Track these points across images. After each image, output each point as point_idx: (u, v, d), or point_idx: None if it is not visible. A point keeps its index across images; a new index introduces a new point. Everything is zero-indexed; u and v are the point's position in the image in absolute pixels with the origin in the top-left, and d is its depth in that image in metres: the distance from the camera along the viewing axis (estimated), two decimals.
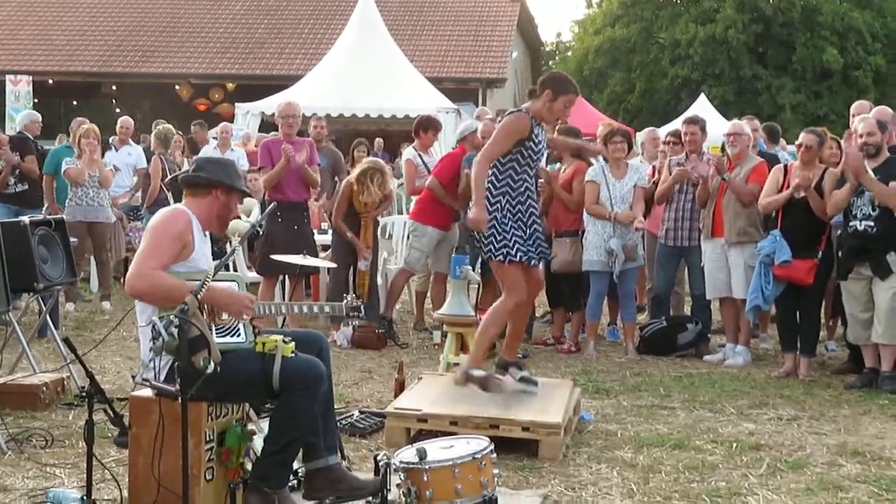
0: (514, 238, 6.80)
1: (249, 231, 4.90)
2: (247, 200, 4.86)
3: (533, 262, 6.90)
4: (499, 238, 6.80)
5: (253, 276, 10.38)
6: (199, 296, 4.53)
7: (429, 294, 11.01)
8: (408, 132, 20.11)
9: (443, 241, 10.38)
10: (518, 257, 6.80)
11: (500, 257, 6.82)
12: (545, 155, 7.20)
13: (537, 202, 7.04)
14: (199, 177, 5.08)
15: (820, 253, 8.75)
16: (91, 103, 29.55)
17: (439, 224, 10.36)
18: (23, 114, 13.87)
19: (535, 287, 7.22)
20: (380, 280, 10.58)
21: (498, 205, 6.83)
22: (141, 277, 4.70)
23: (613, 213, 9.55)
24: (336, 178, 12.47)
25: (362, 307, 5.70)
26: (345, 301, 5.67)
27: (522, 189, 6.83)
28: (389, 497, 5.27)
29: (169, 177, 12.40)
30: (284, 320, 8.27)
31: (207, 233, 5.09)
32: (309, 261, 6.99)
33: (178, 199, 10.75)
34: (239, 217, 5.71)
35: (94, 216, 11.38)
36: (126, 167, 13.50)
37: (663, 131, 24.73)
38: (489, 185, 6.86)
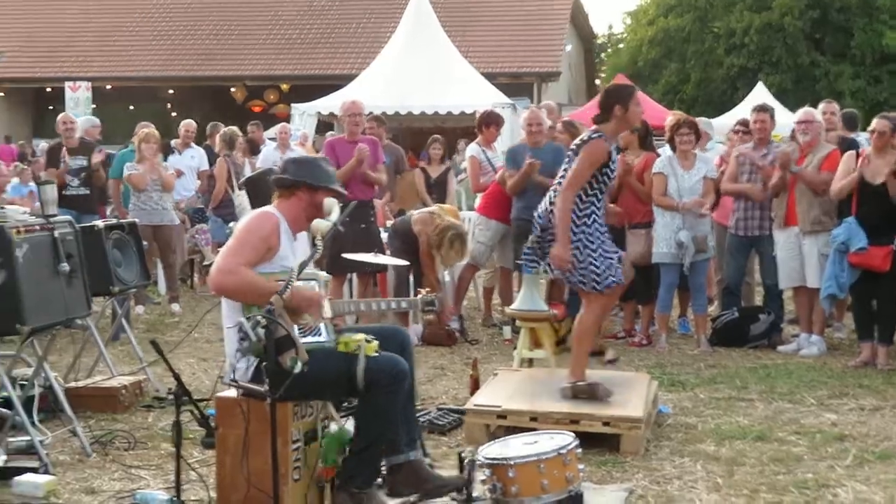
0: (589, 266, 6.67)
1: (331, 230, 4.88)
2: (326, 200, 4.84)
3: (611, 283, 6.76)
4: (576, 264, 6.68)
5: (322, 274, 10.39)
6: (284, 295, 4.53)
7: (496, 289, 10.97)
8: (463, 129, 20.17)
9: (507, 235, 10.34)
10: (598, 286, 6.69)
11: (580, 283, 6.73)
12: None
13: (603, 223, 6.90)
14: (283, 178, 5.08)
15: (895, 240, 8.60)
16: (148, 107, 29.79)
17: (504, 218, 10.32)
18: (82, 119, 14.00)
19: (616, 294, 7.13)
20: (447, 276, 10.55)
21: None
22: (226, 273, 4.71)
23: (681, 202, 9.45)
24: (398, 177, 12.48)
25: (436, 301, 5.67)
26: (420, 296, 5.64)
27: (589, 212, 6.70)
28: (475, 493, 5.26)
29: (236, 179, 12.50)
30: (357, 319, 8.28)
31: (299, 234, 5.10)
32: (381, 259, 6.98)
33: (252, 200, 10.88)
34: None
35: (158, 220, 11.43)
36: (189, 170, 13.57)
37: (720, 122, 24.66)
38: (548, 201, 6.80)
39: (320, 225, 4.89)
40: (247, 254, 4.77)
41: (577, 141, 6.95)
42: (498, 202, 10.40)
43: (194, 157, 13.82)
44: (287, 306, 4.59)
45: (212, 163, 13.80)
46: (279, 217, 4.96)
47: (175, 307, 11.56)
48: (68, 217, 6.51)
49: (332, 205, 4.98)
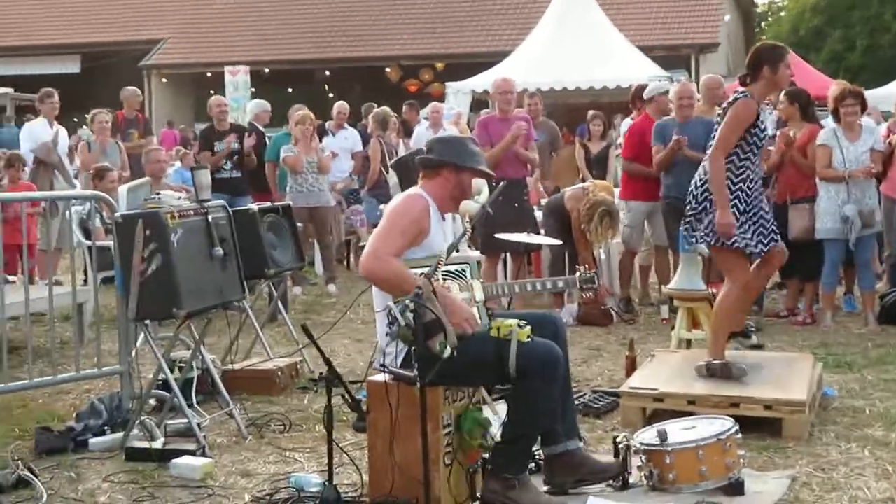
0: (740, 226, 6.49)
1: (480, 212, 4.81)
2: (475, 181, 4.77)
3: (758, 250, 6.56)
4: (713, 223, 6.50)
5: (475, 254, 10.36)
6: (432, 279, 4.47)
7: (652, 268, 10.75)
8: (619, 103, 19.86)
9: (654, 212, 10.13)
10: (730, 242, 6.49)
11: (718, 242, 6.53)
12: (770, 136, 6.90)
13: (761, 189, 6.71)
14: (428, 158, 5.02)
15: None
16: (305, 90, 30.26)
17: (641, 196, 10.20)
18: (252, 103, 14.27)
19: (777, 260, 6.88)
20: (602, 255, 10.39)
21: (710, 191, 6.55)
22: (377, 260, 4.66)
23: (847, 171, 9.09)
24: (553, 154, 12.35)
25: (596, 277, 5.53)
26: (578, 274, 5.51)
27: (743, 177, 6.51)
28: (630, 480, 5.13)
29: (390, 159, 12.54)
30: (511, 299, 8.18)
31: (448, 215, 5.04)
32: (535, 238, 6.87)
33: (402, 182, 10.90)
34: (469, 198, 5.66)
35: (315, 201, 11.53)
36: (343, 152, 13.69)
37: (888, 90, 23.78)
38: (702, 171, 6.62)
39: (469, 206, 4.83)
40: (397, 239, 4.72)
41: (724, 104, 6.77)
42: (632, 183, 10.35)
43: (348, 139, 13.94)
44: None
45: (366, 143, 13.88)
46: (428, 198, 4.89)
47: (332, 288, 11.66)
48: (222, 202, 6.57)
49: (482, 185, 4.93)
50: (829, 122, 9.88)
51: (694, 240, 6.78)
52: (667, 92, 10.50)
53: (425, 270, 4.55)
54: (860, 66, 36.75)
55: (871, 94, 23.79)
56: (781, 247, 6.77)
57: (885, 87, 25.64)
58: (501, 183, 5.18)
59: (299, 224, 8.87)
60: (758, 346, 6.88)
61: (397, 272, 4.61)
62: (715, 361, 6.49)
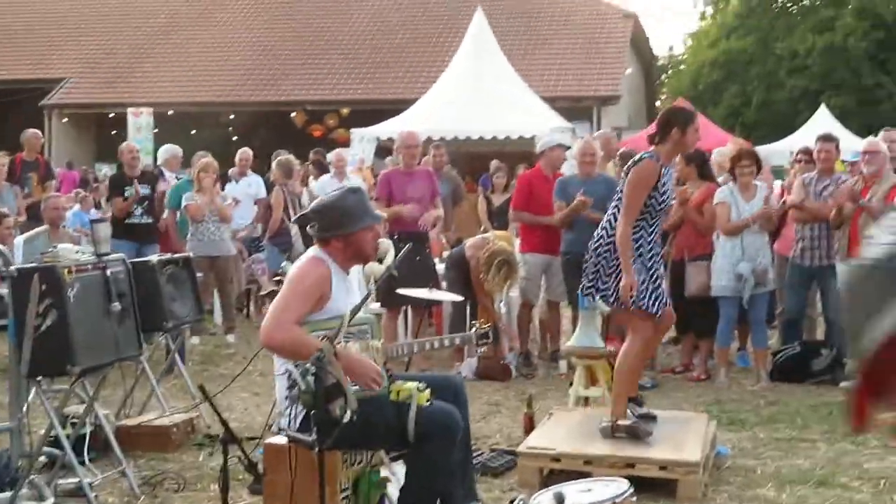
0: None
1: (384, 274, 4.81)
2: (382, 242, 4.77)
3: (655, 311, 6.67)
4: (617, 283, 6.61)
5: (376, 307, 10.36)
6: (334, 343, 4.46)
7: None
8: (523, 153, 20.08)
9: (550, 267, 10.20)
10: (639, 302, 6.60)
11: (621, 306, 6.64)
12: (670, 202, 7.03)
13: (659, 250, 6.84)
14: (319, 229, 4.98)
15: None
16: (209, 133, 30.05)
17: (536, 249, 10.24)
18: (163, 149, 14.10)
19: (668, 321, 7.02)
20: (503, 308, 10.45)
21: (612, 246, 6.65)
22: (278, 330, 4.64)
23: (750, 218, 9.30)
24: (455, 205, 12.43)
25: (491, 333, 5.56)
26: (473, 329, 5.54)
27: (639, 237, 6.62)
28: None
29: (291, 209, 12.52)
30: (410, 358, 8.20)
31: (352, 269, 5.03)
32: (436, 294, 6.90)
33: (303, 237, 10.87)
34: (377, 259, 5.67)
35: (216, 250, 11.45)
36: (246, 198, 13.61)
37: (782, 145, 24.33)
38: (607, 224, 6.72)
39: (374, 268, 4.84)
40: (297, 306, 4.70)
41: (628, 164, 6.89)
42: (527, 235, 10.44)
43: (251, 186, 13.87)
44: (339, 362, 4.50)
45: (270, 191, 13.83)
46: (328, 260, 4.88)
47: (230, 338, 11.56)
48: (121, 255, 6.49)
49: (388, 248, 4.93)
50: (723, 180, 10.14)
51: (596, 298, 6.86)
52: (558, 146, 10.59)
53: (328, 333, 4.54)
54: (756, 121, 37.69)
55: (766, 149, 24.44)
56: (670, 310, 6.92)
57: (780, 143, 26.33)
58: (408, 246, 5.20)
59: (199, 274, 8.79)
60: (650, 417, 6.88)
61: (297, 340, 4.59)
62: (620, 422, 6.55)
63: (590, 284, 6.79)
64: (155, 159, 17.57)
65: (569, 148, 10.93)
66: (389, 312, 9.56)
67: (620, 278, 6.56)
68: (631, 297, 6.52)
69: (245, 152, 14.19)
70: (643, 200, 6.56)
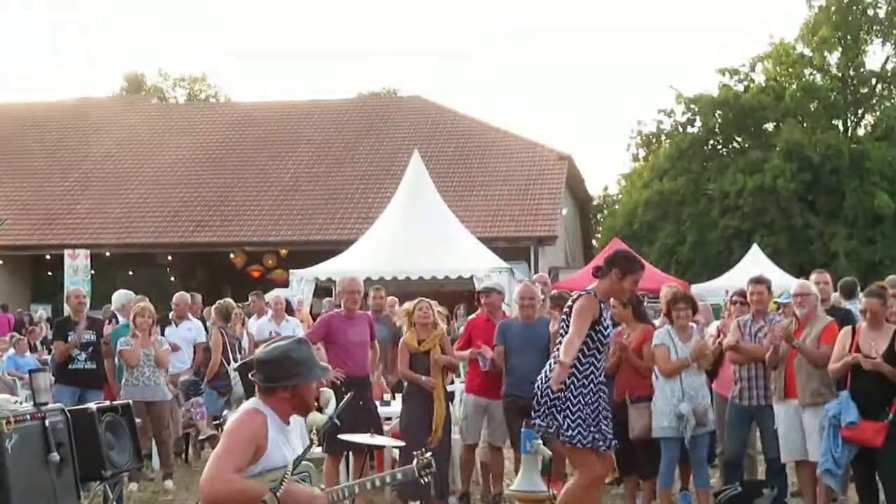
0: (577, 421, 6.70)
1: (327, 424, 4.81)
2: (324, 391, 4.78)
3: (600, 447, 6.75)
4: (562, 420, 6.69)
5: (315, 451, 10.27)
6: (277, 493, 4.43)
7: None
8: (461, 293, 20.22)
9: (489, 409, 10.25)
10: (583, 441, 6.68)
11: (567, 440, 6.71)
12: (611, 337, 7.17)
13: (604, 388, 6.95)
14: (260, 380, 4.97)
15: (891, 415, 8.51)
16: (147, 273, 29.99)
17: (477, 391, 10.30)
18: (118, 294, 13.93)
19: (607, 467, 7.08)
20: (456, 452, 10.42)
21: (562, 385, 6.74)
22: (217, 481, 4.59)
23: (689, 357, 9.41)
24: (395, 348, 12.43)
25: (433, 461, 5.53)
26: (415, 462, 5.50)
27: (588, 372, 6.75)
28: None
29: (230, 352, 12.46)
30: (354, 498, 8.12)
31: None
32: (378, 440, 6.84)
33: (244, 384, 10.80)
34: (317, 408, 5.67)
35: (150, 395, 11.28)
36: (185, 342, 13.51)
37: (717, 283, 24.75)
38: (552, 361, 6.83)
39: (316, 418, 4.83)
40: (235, 458, 4.66)
41: (568, 303, 7.01)
42: (470, 376, 10.47)
43: (191, 330, 13.77)
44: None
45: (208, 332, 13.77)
46: (266, 413, 4.86)
47: (168, 483, 11.35)
48: (59, 405, 6.44)
49: (329, 397, 4.92)
50: (658, 322, 10.30)
51: (552, 435, 6.90)
52: (490, 291, 10.71)
53: (272, 485, 4.51)
54: (690, 259, 38.32)
55: (700, 288, 24.86)
56: (610, 455, 7.01)
57: (715, 281, 26.79)
58: (349, 394, 5.20)
59: (138, 420, 8.69)
60: None
61: (239, 489, 4.55)
62: None
63: (546, 422, 6.86)
64: (92, 301, 17.45)
65: (498, 292, 11.01)
66: (331, 458, 9.49)
67: (565, 416, 6.64)
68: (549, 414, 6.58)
69: (182, 297, 14.09)
70: (587, 327, 6.65)
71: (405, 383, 10.25)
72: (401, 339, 10.15)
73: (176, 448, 12.86)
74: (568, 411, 6.69)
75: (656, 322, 10.53)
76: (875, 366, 8.45)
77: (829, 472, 8.77)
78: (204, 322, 14.48)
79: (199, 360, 13.54)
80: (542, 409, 6.84)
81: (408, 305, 10.14)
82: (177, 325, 13.72)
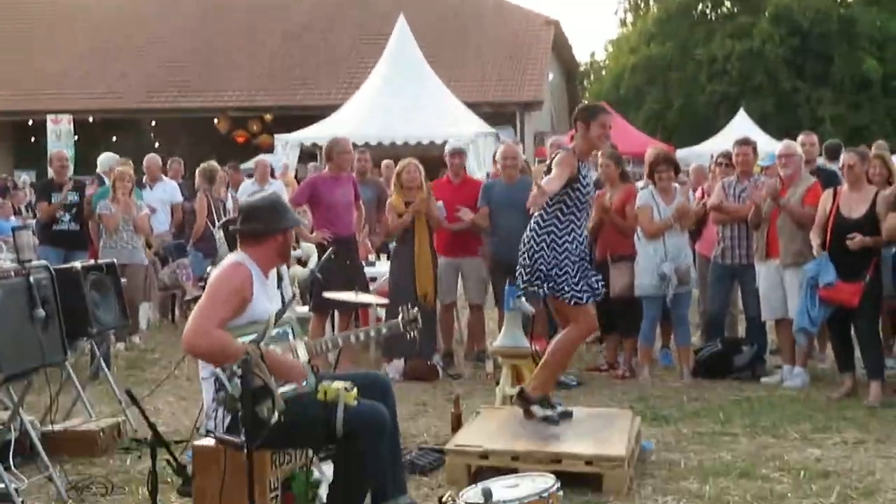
0: (577, 279, 6.77)
1: (309, 278, 4.85)
2: (305, 246, 4.82)
3: (584, 301, 6.82)
4: (556, 277, 6.75)
5: (300, 309, 10.37)
6: (260, 345, 4.48)
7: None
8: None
9: (462, 268, 10.37)
10: (578, 297, 6.76)
11: (562, 296, 6.80)
12: (592, 194, 7.18)
13: (585, 242, 6.98)
14: (246, 229, 5.00)
15: (868, 277, 8.59)
16: (131, 139, 29.74)
17: (448, 252, 10.37)
18: (104, 156, 13.88)
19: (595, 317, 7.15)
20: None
21: (544, 243, 6.78)
22: (200, 335, 4.64)
23: (671, 217, 9.50)
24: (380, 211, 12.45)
25: (419, 317, 5.59)
26: (400, 317, 5.56)
27: (570, 229, 6.78)
28: None
29: (215, 215, 12.46)
30: (339, 353, 8.22)
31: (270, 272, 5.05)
32: (363, 297, 6.92)
33: (228, 242, 10.82)
34: (300, 263, 5.69)
35: (126, 258, 11.26)
36: (162, 204, 13.49)
37: (702, 148, 24.73)
38: (535, 224, 6.84)
39: (298, 272, 4.86)
40: (220, 311, 4.70)
41: (547, 160, 7.05)
42: (445, 238, 10.44)
43: (166, 191, 13.74)
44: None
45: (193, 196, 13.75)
46: (249, 265, 4.89)
47: (135, 339, 11.51)
48: (44, 262, 6.45)
49: (311, 251, 4.95)
50: (641, 184, 10.33)
51: (542, 293, 6.96)
52: (455, 152, 10.66)
53: (253, 337, 4.56)
54: (676, 124, 38.19)
55: (686, 152, 24.87)
56: (591, 310, 7.11)
57: (701, 146, 26.75)
58: (330, 249, 5.23)
59: (124, 279, 8.74)
60: (566, 414, 7.07)
61: (221, 344, 4.60)
62: (538, 409, 6.69)
63: (525, 281, 6.91)
64: (77, 167, 17.35)
65: (462, 151, 10.99)
66: (318, 317, 9.59)
67: (559, 273, 6.72)
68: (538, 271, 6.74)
69: (152, 159, 14.02)
70: (567, 175, 6.66)
71: (391, 244, 10.30)
72: (387, 201, 10.15)
73: (161, 309, 12.98)
74: (557, 269, 6.74)
75: (639, 184, 10.56)
76: (857, 244, 8.49)
77: (803, 330, 8.90)
78: (188, 189, 14.41)
79: (178, 220, 13.54)
80: (528, 271, 6.88)
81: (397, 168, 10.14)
82: (151, 188, 13.67)
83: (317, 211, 9.77)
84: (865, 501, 5.99)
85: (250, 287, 4.80)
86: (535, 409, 6.81)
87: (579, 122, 6.91)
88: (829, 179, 9.68)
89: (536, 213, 6.89)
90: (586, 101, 43.68)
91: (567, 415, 6.97)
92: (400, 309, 5.62)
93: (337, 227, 9.58)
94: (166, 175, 14.33)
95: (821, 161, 11.34)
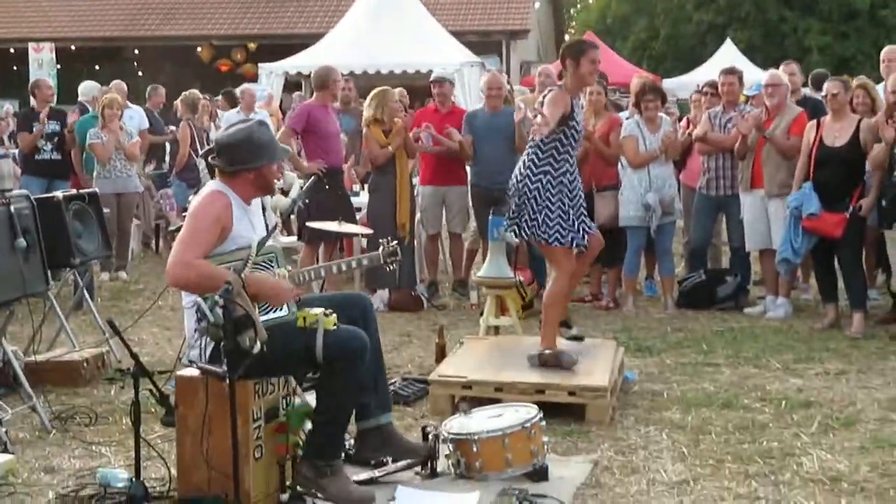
0: (556, 220, 6.68)
1: (290, 207, 4.80)
2: (287, 175, 4.80)
3: (576, 244, 6.76)
4: (541, 220, 6.67)
5: (286, 240, 10.35)
6: (242, 274, 4.46)
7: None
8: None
9: (446, 197, 10.37)
10: (561, 240, 6.69)
11: (543, 239, 6.72)
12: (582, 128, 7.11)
13: (580, 182, 6.92)
14: (221, 164, 4.95)
15: (851, 207, 8.59)
16: (114, 67, 29.43)
17: (432, 181, 10.43)
18: (84, 85, 13.73)
19: (596, 246, 7.05)
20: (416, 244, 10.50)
21: (539, 184, 6.69)
22: (183, 266, 4.61)
23: (658, 148, 9.49)
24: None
25: (398, 249, 5.57)
26: (381, 249, 5.53)
27: (563, 170, 6.72)
28: (438, 468, 5.24)
29: (198, 144, 12.40)
30: (323, 283, 8.22)
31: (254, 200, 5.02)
32: (346, 227, 6.86)
33: (210, 171, 10.76)
34: (282, 192, 5.65)
35: (122, 187, 11.31)
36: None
37: (688, 78, 24.58)
38: (531, 163, 6.76)
39: (280, 201, 4.82)
40: (201, 241, 4.66)
41: (540, 98, 6.96)
42: (427, 167, 10.51)
43: (133, 118, 13.58)
44: (249, 292, 4.50)
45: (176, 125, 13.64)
46: (228, 193, 4.85)
47: (122, 275, 11.46)
48: (24, 192, 6.40)
49: (293, 180, 4.91)
50: (626, 114, 10.31)
51: (520, 236, 6.91)
52: (442, 81, 10.61)
53: (235, 265, 4.54)
54: (663, 54, 38.01)
55: (673, 82, 24.76)
56: (596, 232, 7.02)
57: (687, 76, 26.63)
58: (312, 178, 5.19)
59: (106, 210, 8.68)
60: (578, 338, 7.13)
61: (204, 273, 4.57)
62: (547, 351, 6.66)
63: (512, 221, 6.84)
64: (59, 96, 17.19)
65: (451, 82, 10.96)
66: (309, 247, 9.54)
67: (544, 217, 6.65)
68: (524, 214, 6.70)
69: (117, 85, 13.91)
70: (559, 115, 6.58)
71: (371, 175, 10.25)
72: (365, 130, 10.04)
73: (145, 239, 12.95)
74: (547, 211, 6.65)
75: (624, 114, 10.52)
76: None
77: (786, 261, 8.91)
78: (172, 118, 14.30)
79: (144, 147, 13.40)
80: (516, 212, 6.81)
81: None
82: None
83: (310, 140, 9.61)
84: (846, 431, 6.02)
85: (230, 214, 4.76)
86: (545, 353, 6.74)
87: (568, 60, 6.78)
88: (815, 109, 9.64)
89: (531, 153, 6.79)
90: (573, 31, 43.53)
91: (579, 339, 7.18)
92: (380, 241, 5.59)
93: (330, 157, 9.52)
94: (148, 104, 14.20)
95: (807, 91, 11.28)
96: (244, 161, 4.87)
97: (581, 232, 6.73)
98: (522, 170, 6.77)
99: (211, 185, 4.97)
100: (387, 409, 5.32)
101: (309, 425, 4.93)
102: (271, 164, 4.96)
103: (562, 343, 6.96)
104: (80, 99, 13.62)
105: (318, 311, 4.77)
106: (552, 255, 6.87)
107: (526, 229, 6.74)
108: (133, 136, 11.73)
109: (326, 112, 9.75)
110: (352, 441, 5.33)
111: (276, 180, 5.05)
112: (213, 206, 4.77)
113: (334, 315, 4.78)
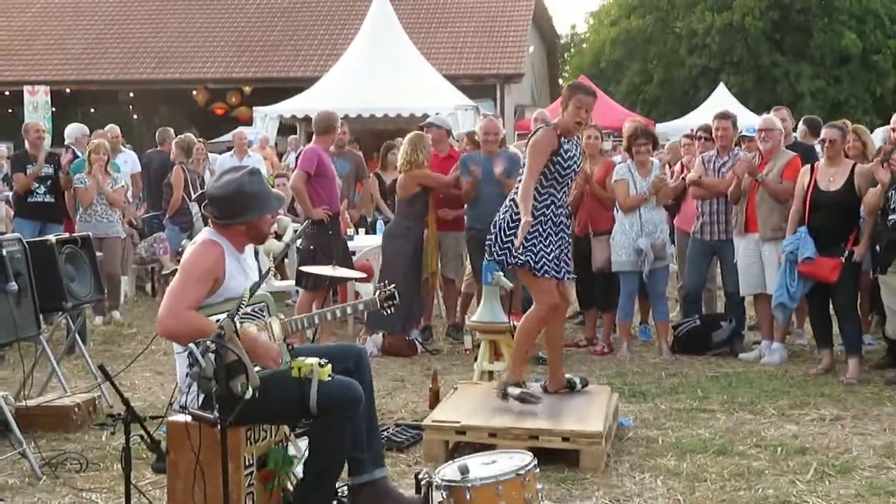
0: (540, 251, 6.72)
1: (283, 251, 4.78)
2: (281, 219, 4.77)
3: (557, 278, 6.78)
4: (526, 248, 6.70)
5: (281, 284, 10.32)
6: (235, 319, 4.43)
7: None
8: None
9: (440, 242, 10.37)
10: (543, 271, 6.72)
11: (528, 268, 6.74)
12: (576, 169, 7.12)
13: (566, 217, 6.94)
14: (212, 214, 4.94)
15: (846, 252, 8.59)
16: (109, 111, 29.50)
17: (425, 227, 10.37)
18: (71, 127, 13.75)
19: (565, 298, 7.11)
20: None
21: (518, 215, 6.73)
22: (173, 318, 4.59)
23: (647, 191, 9.51)
24: (358, 182, 12.39)
25: (396, 294, 5.54)
26: (377, 293, 5.50)
27: (548, 203, 6.75)
28: None
29: (191, 188, 12.38)
30: (316, 330, 8.18)
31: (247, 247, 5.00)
32: (339, 272, 6.83)
33: (203, 216, 10.77)
34: (276, 236, 5.64)
35: (103, 232, 11.24)
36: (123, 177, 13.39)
37: (682, 123, 24.68)
38: (514, 194, 6.81)
39: (273, 245, 4.79)
40: (193, 292, 4.64)
41: (529, 135, 7.04)
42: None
43: (126, 162, 13.61)
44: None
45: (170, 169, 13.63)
46: (222, 243, 4.83)
47: (116, 314, 11.44)
48: (17, 235, 6.38)
49: (287, 223, 4.88)
50: (618, 158, 10.33)
51: (509, 264, 6.91)
52: (432, 126, 10.67)
53: (229, 311, 4.51)
54: (657, 98, 38.14)
55: (666, 126, 24.81)
56: (567, 289, 7.09)
57: (681, 120, 26.74)
58: (306, 222, 5.17)
59: (100, 253, 8.66)
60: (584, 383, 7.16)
61: (195, 325, 4.54)
62: (512, 390, 6.65)
63: (504, 253, 6.85)
64: (53, 139, 17.24)
65: (441, 128, 11.00)
66: (309, 294, 9.48)
67: (525, 244, 6.67)
68: (507, 242, 6.72)
69: (112, 129, 13.96)
70: (542, 164, 6.66)
71: (373, 218, 10.25)
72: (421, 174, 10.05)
73: (139, 282, 12.89)
74: (525, 240, 6.69)
75: (617, 158, 10.55)
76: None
77: (782, 306, 8.89)
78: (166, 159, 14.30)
79: (137, 191, 13.39)
80: (503, 244, 6.83)
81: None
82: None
83: (316, 183, 9.58)
84: (842, 479, 5.98)
85: (223, 265, 4.74)
86: (511, 389, 6.75)
87: (562, 99, 6.96)
88: (806, 155, 9.66)
89: (514, 191, 6.87)
90: (567, 75, 43.70)
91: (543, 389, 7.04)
92: (377, 287, 5.57)
93: (334, 201, 9.56)
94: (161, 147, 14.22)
95: (798, 132, 11.32)
96: (235, 215, 4.85)
97: (563, 269, 6.81)
98: (507, 203, 6.86)
99: (205, 234, 4.95)
100: (380, 464, 5.25)
101: (299, 468, 4.89)
102: (263, 217, 4.94)
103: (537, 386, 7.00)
104: (66, 142, 13.64)
105: (313, 360, 4.74)
106: (533, 285, 6.90)
107: (513, 259, 6.78)
108: (118, 183, 11.70)
109: (327, 155, 9.78)
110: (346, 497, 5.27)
111: (269, 231, 5.02)
112: (207, 258, 4.74)
113: (329, 365, 4.75)
